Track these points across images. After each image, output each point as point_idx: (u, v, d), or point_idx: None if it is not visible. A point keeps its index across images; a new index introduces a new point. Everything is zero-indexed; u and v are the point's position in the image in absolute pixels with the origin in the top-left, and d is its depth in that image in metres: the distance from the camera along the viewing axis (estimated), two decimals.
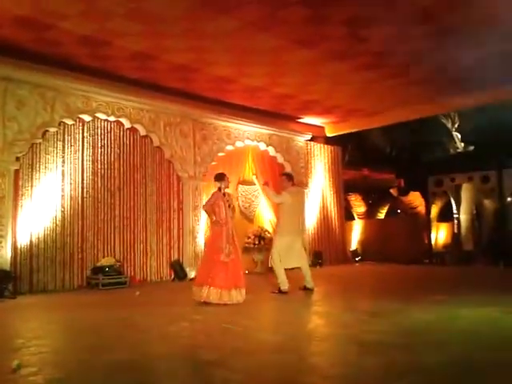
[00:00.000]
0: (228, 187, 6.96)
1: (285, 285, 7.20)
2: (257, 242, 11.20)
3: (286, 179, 7.83)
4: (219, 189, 6.72)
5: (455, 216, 13.92)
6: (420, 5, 6.83)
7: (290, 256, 7.34)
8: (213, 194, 6.73)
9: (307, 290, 7.41)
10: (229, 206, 6.63)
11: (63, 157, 8.56)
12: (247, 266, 11.16)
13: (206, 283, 6.25)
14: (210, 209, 6.65)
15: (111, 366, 3.38)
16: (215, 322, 5.32)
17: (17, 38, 7.45)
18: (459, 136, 17.47)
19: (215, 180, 6.82)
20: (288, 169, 12.40)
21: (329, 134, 14.00)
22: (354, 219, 15.87)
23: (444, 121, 17.52)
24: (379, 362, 3.34)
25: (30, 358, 3.68)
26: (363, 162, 16.48)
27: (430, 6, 6.84)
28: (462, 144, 17.39)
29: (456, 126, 17.54)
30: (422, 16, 7.14)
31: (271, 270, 7.51)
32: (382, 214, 16.05)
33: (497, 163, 12.27)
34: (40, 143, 8.26)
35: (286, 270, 7.34)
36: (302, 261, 7.51)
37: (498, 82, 10.11)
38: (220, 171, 7.44)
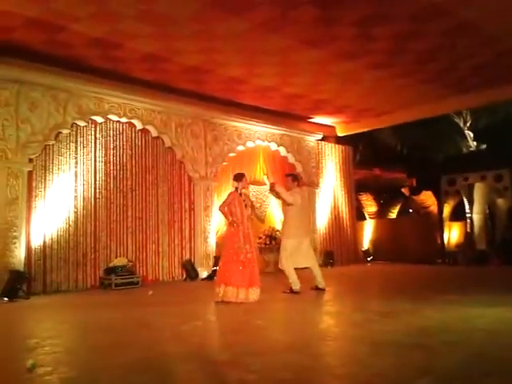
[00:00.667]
0: (246, 188, 7.01)
1: (296, 285, 7.20)
2: (268, 242, 11.21)
3: (290, 180, 7.79)
4: (236, 189, 6.76)
5: (468, 215, 13.79)
6: (430, 2, 6.79)
7: (297, 256, 7.34)
8: (229, 195, 6.79)
9: (319, 290, 7.39)
10: (245, 205, 6.67)
11: (76, 158, 8.64)
12: (259, 266, 11.17)
13: (223, 282, 6.34)
14: (227, 209, 6.68)
15: (125, 366, 3.41)
16: (228, 321, 5.34)
17: (29, 41, 7.52)
18: (471, 135, 17.34)
19: (233, 180, 6.90)
20: (299, 169, 12.40)
21: (340, 134, 13.95)
22: (365, 219, 15.79)
23: (456, 119, 17.41)
24: (391, 362, 3.33)
25: (44, 357, 3.72)
26: (374, 161, 16.42)
27: (441, 2, 6.79)
28: (475, 143, 17.27)
29: (468, 124, 17.42)
30: (432, 14, 7.10)
31: (282, 270, 7.49)
32: (393, 214, 15.95)
33: (510, 162, 12.13)
34: (53, 145, 8.34)
35: (297, 270, 7.36)
36: (311, 261, 7.49)
37: (510, 79, 10.03)
38: (239, 171, 7.51)
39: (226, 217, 6.86)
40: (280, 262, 7.43)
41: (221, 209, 6.83)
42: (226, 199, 6.80)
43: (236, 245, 6.49)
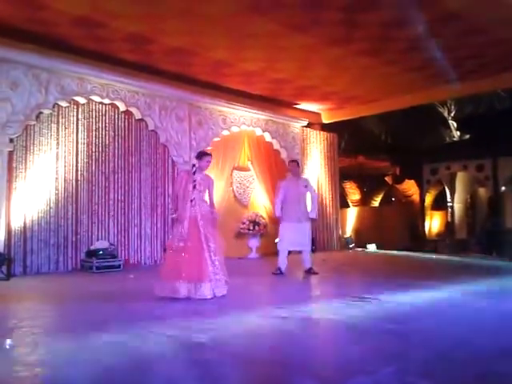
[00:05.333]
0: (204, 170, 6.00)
1: (282, 265, 7.69)
2: (251, 228, 11.22)
3: (296, 166, 8.21)
4: (193, 166, 5.95)
5: (449, 204, 13.98)
6: None
7: (290, 240, 7.68)
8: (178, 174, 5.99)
9: (310, 273, 7.74)
10: (194, 187, 5.72)
11: (57, 139, 8.51)
12: (242, 252, 11.21)
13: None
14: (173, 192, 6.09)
15: (103, 347, 3.40)
16: (207, 304, 5.34)
17: (10, 18, 7.34)
18: (455, 124, 17.48)
19: (195, 157, 6.13)
20: (284, 155, 12.40)
21: (325, 121, 13.97)
22: (348, 206, 15.91)
23: (440, 109, 17.52)
24: (369, 346, 3.37)
25: (22, 338, 3.70)
26: (359, 149, 16.48)
27: None
28: (458, 132, 17.42)
29: (452, 114, 17.55)
30: (418, 2, 7.09)
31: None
32: (376, 202, 16.10)
33: (492, 152, 12.28)
34: (34, 125, 8.20)
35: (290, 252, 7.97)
36: (302, 246, 7.81)
37: (495, 69, 10.10)
38: (203, 150, 6.95)
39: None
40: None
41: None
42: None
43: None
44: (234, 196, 11.72)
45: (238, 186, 11.78)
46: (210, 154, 6.02)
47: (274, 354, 3.17)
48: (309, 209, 7.93)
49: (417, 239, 13.82)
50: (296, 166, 8.18)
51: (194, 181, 5.70)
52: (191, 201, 5.65)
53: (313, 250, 12.27)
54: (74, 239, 8.62)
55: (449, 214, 14.05)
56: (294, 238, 7.67)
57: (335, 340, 3.69)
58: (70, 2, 6.88)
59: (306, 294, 6.26)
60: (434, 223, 14.25)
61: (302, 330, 4.13)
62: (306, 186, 7.94)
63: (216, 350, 3.27)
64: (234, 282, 6.16)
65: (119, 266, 8.66)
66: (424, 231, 14.02)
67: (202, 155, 5.95)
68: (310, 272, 7.73)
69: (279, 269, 7.69)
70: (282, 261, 7.73)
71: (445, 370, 2.89)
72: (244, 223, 11.34)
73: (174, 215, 5.76)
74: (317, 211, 8.25)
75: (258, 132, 11.98)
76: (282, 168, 12.27)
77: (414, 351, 3.24)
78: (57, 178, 8.45)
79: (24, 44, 7.97)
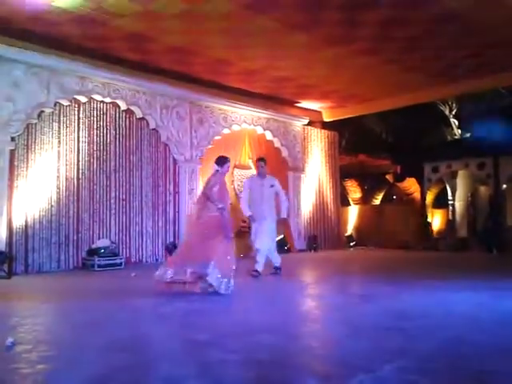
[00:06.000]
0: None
1: (260, 267, 7.41)
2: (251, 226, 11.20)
3: (262, 164, 7.73)
4: (217, 171, 6.20)
5: (450, 203, 13.97)
6: None
7: (257, 238, 7.47)
8: (212, 177, 6.15)
9: (276, 272, 7.59)
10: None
11: (59, 138, 8.53)
12: (242, 251, 11.21)
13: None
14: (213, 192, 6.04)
15: (105, 345, 3.41)
16: (209, 303, 5.36)
17: (11, 18, 7.36)
18: (456, 123, 17.47)
19: (216, 162, 6.29)
20: (285, 153, 12.41)
21: (326, 119, 13.98)
22: (349, 205, 15.91)
23: (441, 107, 17.51)
24: (369, 344, 3.38)
25: (24, 335, 3.71)
26: (360, 147, 16.48)
27: None
28: (459, 131, 17.41)
29: (453, 112, 17.53)
30: (418, 1, 7.10)
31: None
32: (377, 200, 16.08)
33: (493, 150, 12.27)
34: (35, 124, 8.22)
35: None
36: (265, 244, 7.44)
37: (495, 68, 10.11)
38: (223, 154, 7.05)
39: (212, 201, 6.02)
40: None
41: (208, 192, 6.02)
42: (209, 182, 6.15)
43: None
44: (236, 194, 11.72)
45: (240, 184, 11.78)
46: (229, 160, 6.49)
47: (274, 353, 3.18)
48: (282, 209, 7.68)
49: (418, 237, 13.81)
50: (262, 165, 7.73)
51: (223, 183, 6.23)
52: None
53: (314, 249, 12.41)
54: (75, 237, 8.65)
55: (450, 212, 14.03)
56: (256, 237, 7.46)
57: (336, 338, 3.70)
58: (70, 2, 6.88)
59: (307, 292, 6.27)
60: (435, 221, 14.24)
61: (301, 328, 4.15)
62: (272, 186, 7.58)
63: (216, 349, 3.29)
64: (236, 281, 6.18)
65: (121, 264, 8.69)
66: (425, 229, 14.00)
67: (223, 162, 6.24)
68: (276, 273, 7.59)
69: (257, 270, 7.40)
70: (261, 261, 7.42)
71: (445, 367, 2.90)
72: (245, 221, 11.33)
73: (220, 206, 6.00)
74: (287, 211, 7.93)
75: (259, 130, 11.98)
76: (283, 166, 12.30)
77: (415, 349, 3.25)
78: (58, 177, 8.47)
79: (26, 43, 8.01)
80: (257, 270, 7.30)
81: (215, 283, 5.50)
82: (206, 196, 5.99)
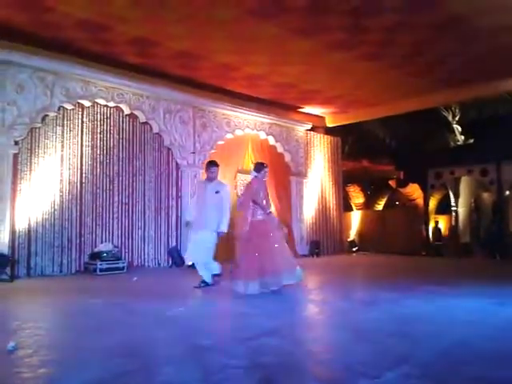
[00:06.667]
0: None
1: (215, 270, 6.78)
2: None
3: (210, 167, 6.88)
4: (256, 177, 6.43)
5: (453, 209, 13.95)
6: None
7: (189, 250, 6.95)
8: (253, 183, 6.42)
9: (203, 286, 6.65)
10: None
11: (62, 142, 8.55)
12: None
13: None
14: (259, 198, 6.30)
15: (107, 350, 3.40)
16: (212, 308, 5.35)
17: (16, 22, 7.40)
18: (459, 129, 17.45)
19: (254, 169, 6.55)
20: (288, 158, 12.41)
21: (329, 125, 13.98)
22: (352, 210, 15.89)
23: (445, 113, 17.50)
24: (373, 349, 3.36)
25: (26, 339, 3.70)
26: (363, 153, 16.48)
27: None
28: (463, 137, 17.38)
29: (456, 118, 17.52)
30: (422, 7, 7.11)
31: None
32: (380, 206, 16.07)
33: (496, 156, 12.25)
34: (39, 128, 8.25)
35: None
36: (200, 257, 6.69)
37: (498, 74, 10.10)
38: (260, 161, 7.45)
39: (261, 207, 6.21)
40: None
41: (255, 198, 6.18)
42: (251, 187, 6.37)
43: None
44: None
45: (242, 189, 11.77)
46: (266, 166, 6.58)
47: (277, 358, 3.17)
48: (219, 219, 6.63)
49: (421, 243, 13.78)
50: (210, 167, 6.84)
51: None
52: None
53: (317, 254, 12.38)
54: (78, 241, 8.65)
55: (453, 218, 14.01)
56: (191, 248, 6.82)
57: (339, 343, 3.68)
58: (75, 5, 6.93)
59: (310, 297, 6.25)
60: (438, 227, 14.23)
61: (305, 333, 4.13)
62: (217, 192, 6.65)
63: (219, 354, 3.27)
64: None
65: (123, 268, 8.68)
66: (428, 235, 13.97)
67: (260, 168, 6.44)
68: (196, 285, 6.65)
69: (204, 281, 6.66)
70: (208, 271, 6.68)
71: (448, 373, 2.89)
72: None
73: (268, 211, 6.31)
74: (227, 224, 6.68)
75: (262, 135, 11.99)
76: (285, 171, 12.31)
77: (418, 354, 3.23)
78: (61, 181, 8.48)
79: (30, 47, 8.05)
80: (204, 281, 6.64)
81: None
82: (254, 202, 6.21)
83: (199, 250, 6.62)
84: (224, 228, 6.66)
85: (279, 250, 6.10)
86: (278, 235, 6.29)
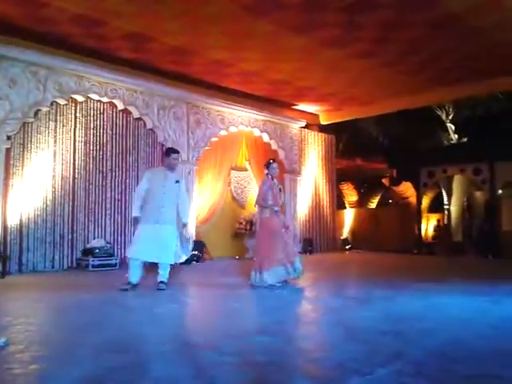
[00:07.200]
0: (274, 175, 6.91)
1: (133, 276, 6.03)
2: (248, 228, 11.22)
3: (174, 156, 6.35)
4: (267, 175, 6.85)
5: (446, 207, 14.01)
6: None
7: (144, 247, 5.93)
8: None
9: (160, 287, 6.07)
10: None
11: (55, 137, 8.49)
12: (239, 252, 11.23)
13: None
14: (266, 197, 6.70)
15: (98, 346, 3.39)
16: (204, 304, 5.35)
17: (9, 15, 7.33)
18: (453, 127, 17.52)
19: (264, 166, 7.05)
20: (281, 156, 12.39)
21: (323, 122, 14.00)
22: (345, 208, 15.93)
23: (438, 112, 17.57)
24: (365, 347, 3.37)
25: (17, 335, 3.68)
26: (356, 151, 16.51)
27: None
28: (456, 135, 17.46)
29: (450, 117, 17.59)
30: (417, 4, 7.12)
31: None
32: (373, 204, 16.11)
33: (489, 155, 12.30)
34: (32, 122, 8.18)
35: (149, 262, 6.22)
36: (159, 257, 6.03)
37: (492, 72, 10.14)
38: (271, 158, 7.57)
39: (265, 207, 6.63)
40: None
41: (258, 199, 6.74)
42: (259, 188, 6.91)
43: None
44: (232, 196, 11.73)
45: (236, 186, 11.79)
46: (273, 161, 6.88)
47: (269, 355, 3.16)
48: (181, 211, 6.22)
49: (413, 241, 13.83)
50: (173, 154, 6.31)
51: (277, 186, 6.73)
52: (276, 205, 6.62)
53: (310, 252, 12.40)
54: (70, 237, 8.60)
55: (445, 217, 14.07)
56: (149, 245, 5.90)
57: (332, 340, 3.69)
58: (70, 1, 6.87)
59: (303, 294, 6.26)
60: (430, 225, 14.28)
61: (297, 330, 4.13)
62: (177, 182, 6.21)
63: (211, 351, 3.27)
64: (231, 283, 6.17)
65: (115, 264, 8.65)
66: (420, 233, 14.02)
67: (268, 164, 6.81)
68: (159, 288, 6.04)
69: (129, 282, 6.01)
70: (135, 272, 6.02)
71: (441, 370, 2.90)
72: (241, 223, 11.35)
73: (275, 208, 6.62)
74: (188, 216, 6.51)
75: (257, 132, 11.97)
76: (279, 169, 12.27)
77: (411, 352, 3.24)
78: (54, 176, 8.43)
79: (23, 41, 7.97)
80: (162, 282, 6.10)
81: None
82: (258, 203, 6.77)
83: (161, 248, 5.94)
84: (187, 219, 6.43)
85: (286, 244, 6.55)
86: (284, 232, 6.63)
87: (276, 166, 6.86)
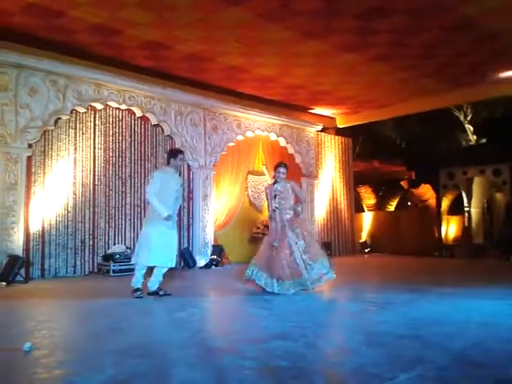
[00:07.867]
0: (273, 177, 6.77)
1: (138, 283, 5.89)
2: (266, 232, 11.20)
3: (180, 157, 6.14)
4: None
5: (466, 209, 13.84)
6: None
7: (158, 251, 5.72)
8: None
9: (158, 294, 5.93)
10: (275, 196, 6.47)
11: (75, 144, 8.63)
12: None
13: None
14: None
15: (122, 350, 3.42)
16: (224, 309, 5.37)
17: (28, 25, 7.50)
18: (471, 129, 17.33)
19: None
20: (298, 160, 12.39)
21: (340, 125, 13.96)
22: (363, 211, 15.84)
23: (456, 113, 17.39)
24: (386, 352, 3.35)
25: (41, 340, 3.74)
26: (374, 153, 16.42)
27: None
28: (475, 137, 17.26)
29: (468, 118, 17.40)
30: (432, 9, 7.08)
31: None
32: (392, 207, 16.01)
33: (509, 156, 12.14)
34: (52, 130, 8.33)
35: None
36: (165, 262, 5.87)
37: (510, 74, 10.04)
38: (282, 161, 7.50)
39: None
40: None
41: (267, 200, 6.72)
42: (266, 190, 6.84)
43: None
44: (249, 201, 11.75)
45: (253, 190, 11.81)
46: (281, 165, 6.67)
47: (290, 360, 3.17)
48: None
49: (433, 244, 13.68)
50: (179, 154, 6.09)
51: (275, 191, 6.48)
52: (274, 210, 6.45)
53: (328, 255, 12.32)
54: (91, 243, 8.72)
55: (465, 219, 13.90)
56: (164, 250, 5.75)
57: (352, 345, 3.68)
58: (87, 10, 7.00)
59: (321, 299, 6.24)
60: (450, 228, 14.12)
61: (317, 335, 4.13)
62: (181, 186, 6.22)
63: (232, 356, 3.28)
64: (250, 287, 6.20)
65: None
66: (440, 236, 13.87)
67: (275, 168, 6.67)
68: (155, 293, 5.89)
69: (138, 289, 5.85)
70: (140, 278, 5.87)
71: (463, 375, 2.87)
72: (258, 228, 11.35)
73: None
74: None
75: (273, 137, 11.99)
76: (296, 172, 12.29)
77: (432, 357, 3.22)
78: (74, 183, 8.56)
79: (43, 51, 8.14)
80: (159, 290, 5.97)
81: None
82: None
83: (171, 253, 5.86)
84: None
85: (282, 256, 6.22)
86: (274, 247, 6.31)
87: (281, 170, 6.53)
